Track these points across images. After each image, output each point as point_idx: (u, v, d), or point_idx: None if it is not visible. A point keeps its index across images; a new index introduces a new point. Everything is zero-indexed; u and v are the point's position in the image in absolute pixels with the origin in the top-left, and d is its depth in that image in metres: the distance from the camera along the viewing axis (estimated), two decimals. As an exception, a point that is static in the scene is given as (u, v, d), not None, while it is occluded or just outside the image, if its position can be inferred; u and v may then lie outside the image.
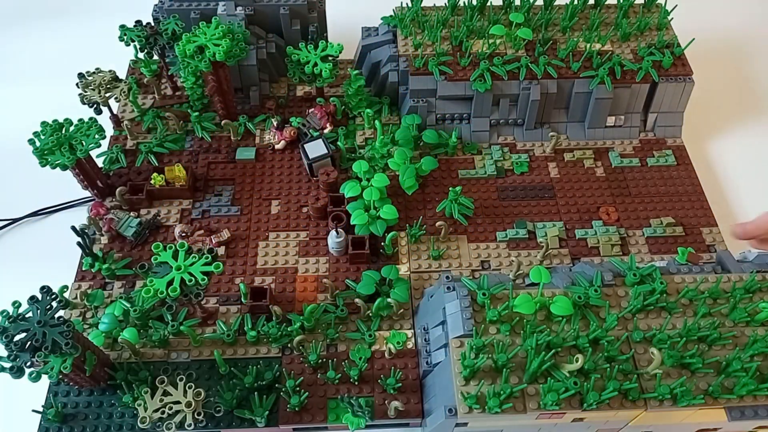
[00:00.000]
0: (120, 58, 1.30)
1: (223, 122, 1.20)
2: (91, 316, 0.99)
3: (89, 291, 1.01)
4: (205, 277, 0.88)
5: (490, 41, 1.20)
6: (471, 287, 0.87)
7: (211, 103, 1.22)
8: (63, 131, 1.03)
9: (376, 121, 1.13)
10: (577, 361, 0.79)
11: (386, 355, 0.94)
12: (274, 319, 0.96)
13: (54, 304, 0.81)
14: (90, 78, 1.15)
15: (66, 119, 1.04)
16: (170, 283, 0.87)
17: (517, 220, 1.11)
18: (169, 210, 1.12)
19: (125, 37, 1.18)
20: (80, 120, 1.05)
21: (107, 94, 1.14)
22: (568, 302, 0.84)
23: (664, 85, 1.18)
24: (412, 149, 1.15)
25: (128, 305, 0.96)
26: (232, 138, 1.21)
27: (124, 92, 1.14)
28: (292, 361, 0.94)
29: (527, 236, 1.09)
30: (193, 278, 0.87)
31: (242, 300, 0.98)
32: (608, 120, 1.21)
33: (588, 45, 1.20)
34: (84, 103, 1.13)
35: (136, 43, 1.19)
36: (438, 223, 1.07)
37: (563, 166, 1.19)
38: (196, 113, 1.22)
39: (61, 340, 0.78)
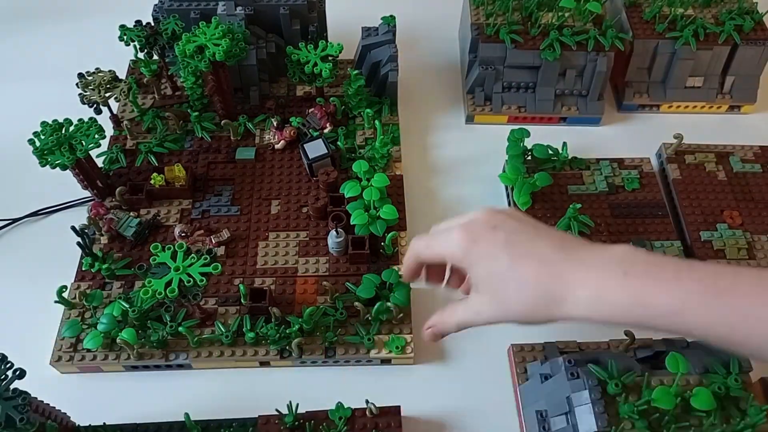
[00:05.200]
0: (120, 58, 1.30)
1: (223, 122, 1.20)
2: (90, 316, 0.99)
3: (88, 291, 1.01)
4: (204, 278, 0.88)
5: (560, 14, 1.22)
6: (601, 375, 0.79)
7: (211, 103, 1.22)
8: (63, 131, 1.03)
9: (376, 121, 1.13)
10: None
11: (367, 413, 0.89)
12: (273, 320, 0.96)
13: (9, 374, 0.72)
14: (90, 78, 1.14)
15: (66, 119, 1.04)
16: (168, 284, 0.87)
17: (633, 238, 1.08)
18: (169, 210, 1.12)
19: (125, 37, 1.18)
20: (80, 120, 1.05)
21: (107, 94, 1.13)
22: (709, 395, 0.77)
23: (744, 48, 1.22)
24: (523, 163, 1.13)
25: (127, 306, 0.96)
26: (232, 138, 1.21)
27: (124, 92, 1.14)
28: (268, 422, 0.87)
29: None
30: (191, 279, 0.87)
31: (242, 301, 0.98)
32: (688, 81, 1.27)
33: (672, 9, 1.24)
34: (84, 103, 1.13)
35: (136, 43, 1.19)
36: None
37: (685, 168, 1.19)
38: (196, 113, 1.21)
39: (15, 415, 0.70)
